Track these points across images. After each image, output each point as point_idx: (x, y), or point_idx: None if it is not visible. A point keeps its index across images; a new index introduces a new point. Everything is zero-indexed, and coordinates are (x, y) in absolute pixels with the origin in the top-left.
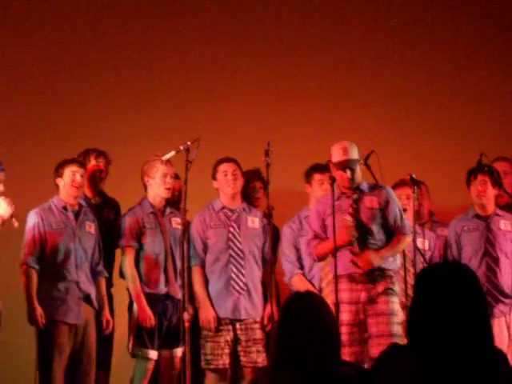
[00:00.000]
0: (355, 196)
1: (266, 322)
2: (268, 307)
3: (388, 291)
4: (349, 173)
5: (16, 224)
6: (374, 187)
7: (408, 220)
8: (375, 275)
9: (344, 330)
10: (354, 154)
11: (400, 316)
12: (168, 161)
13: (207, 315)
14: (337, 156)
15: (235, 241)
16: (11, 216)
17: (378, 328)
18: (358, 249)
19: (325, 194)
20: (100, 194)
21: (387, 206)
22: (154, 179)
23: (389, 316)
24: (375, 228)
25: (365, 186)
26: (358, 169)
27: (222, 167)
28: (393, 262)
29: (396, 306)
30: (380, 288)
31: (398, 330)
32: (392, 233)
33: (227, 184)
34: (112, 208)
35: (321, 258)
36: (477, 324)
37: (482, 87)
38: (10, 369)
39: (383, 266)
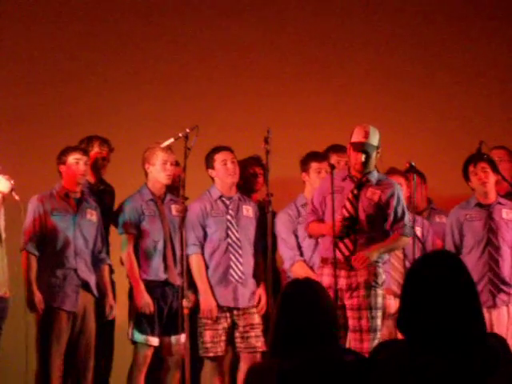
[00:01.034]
0: (359, 182)
1: (255, 302)
2: (259, 289)
3: (369, 283)
4: (363, 156)
5: (17, 197)
6: (383, 181)
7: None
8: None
9: None
10: (374, 140)
11: (382, 308)
12: (169, 148)
13: (209, 304)
14: (356, 137)
15: (233, 229)
16: (11, 190)
17: (359, 322)
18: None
19: (336, 172)
20: (101, 181)
21: (389, 203)
22: (154, 166)
23: (367, 310)
24: (368, 220)
25: (374, 176)
26: (374, 156)
27: (221, 156)
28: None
29: (377, 300)
30: (361, 278)
31: (375, 324)
32: (388, 230)
33: (228, 173)
34: (109, 196)
35: (312, 236)
36: (468, 313)
37: (481, 76)
38: (8, 355)
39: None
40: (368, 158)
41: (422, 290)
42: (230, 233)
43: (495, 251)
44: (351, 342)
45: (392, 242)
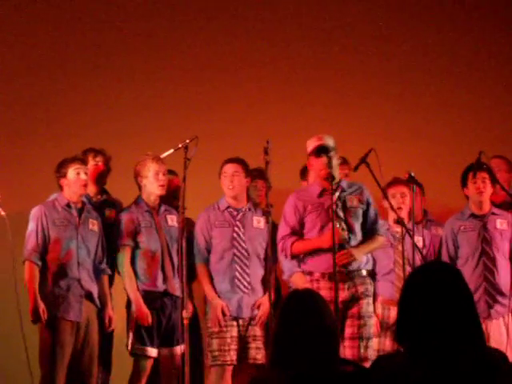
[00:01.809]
0: (337, 193)
1: (256, 306)
2: (259, 300)
3: (368, 293)
4: (325, 158)
5: (2, 213)
6: (353, 185)
7: (404, 218)
8: (354, 275)
9: None
10: (330, 142)
11: (377, 317)
12: (159, 158)
13: (217, 307)
14: (311, 144)
15: (239, 240)
16: None
17: (358, 330)
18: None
19: (304, 190)
20: (102, 193)
21: (368, 205)
22: (146, 178)
23: (367, 318)
24: (356, 227)
25: (345, 184)
26: (336, 162)
27: (224, 168)
28: (367, 262)
29: (371, 308)
30: (360, 288)
31: (372, 332)
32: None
33: (226, 186)
34: (113, 207)
35: (294, 256)
36: (466, 323)
37: (480, 86)
38: (9, 366)
39: (361, 266)
40: (330, 160)
41: (420, 301)
42: (235, 243)
43: (490, 261)
44: (346, 349)
45: (372, 242)
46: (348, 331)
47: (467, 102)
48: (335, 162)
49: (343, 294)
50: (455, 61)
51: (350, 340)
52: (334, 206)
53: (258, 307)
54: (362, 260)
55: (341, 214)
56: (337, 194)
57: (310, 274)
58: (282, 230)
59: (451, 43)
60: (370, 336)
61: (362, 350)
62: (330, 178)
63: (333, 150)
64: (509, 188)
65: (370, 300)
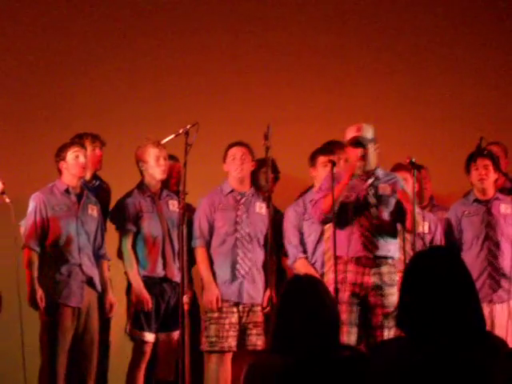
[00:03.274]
0: (370, 180)
1: (265, 305)
2: (268, 291)
3: (392, 282)
4: (361, 150)
5: (7, 200)
6: (389, 175)
7: None
8: (382, 262)
9: (344, 308)
10: (368, 133)
11: None
12: (159, 143)
13: (211, 295)
14: (350, 134)
15: (242, 224)
16: (2, 192)
17: (378, 319)
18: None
19: (340, 172)
20: (96, 179)
21: (397, 192)
22: (147, 163)
23: (390, 308)
24: (385, 214)
25: (380, 173)
26: (373, 151)
27: (232, 151)
28: (397, 251)
29: (395, 298)
30: (385, 276)
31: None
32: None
33: (234, 168)
34: (105, 192)
35: (328, 213)
36: (466, 308)
37: (482, 71)
38: (8, 353)
39: (389, 254)
40: (366, 152)
41: (420, 286)
42: (238, 228)
43: (494, 246)
44: (374, 337)
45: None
46: (373, 320)
47: (470, 86)
48: (372, 152)
49: (369, 280)
50: (457, 49)
51: (375, 329)
52: (366, 192)
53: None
54: (390, 248)
55: (372, 200)
56: (370, 180)
57: (339, 257)
58: (316, 197)
59: (453, 33)
60: (393, 325)
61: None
62: (366, 171)
63: (371, 142)
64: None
65: (395, 290)
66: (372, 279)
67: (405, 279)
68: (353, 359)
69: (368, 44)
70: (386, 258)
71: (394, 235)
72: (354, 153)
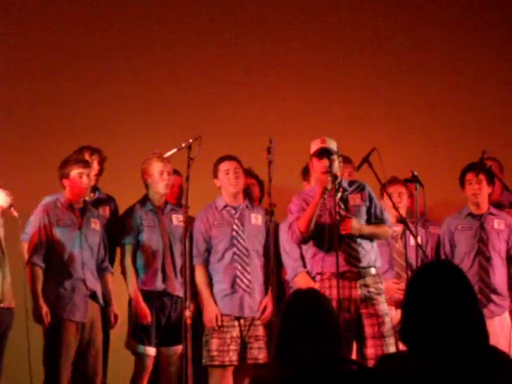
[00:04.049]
0: (339, 194)
1: (260, 312)
2: (265, 300)
3: (380, 291)
4: (327, 161)
5: (15, 213)
6: (354, 183)
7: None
8: (365, 272)
9: None
10: (332, 145)
11: (389, 315)
12: (164, 158)
13: (210, 314)
14: (314, 146)
15: (239, 239)
16: (10, 206)
17: (378, 328)
18: (333, 189)
19: (306, 192)
20: (94, 191)
21: (371, 201)
22: (152, 177)
23: (383, 317)
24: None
25: (346, 184)
26: (337, 164)
27: (224, 165)
28: (378, 258)
29: (386, 306)
30: (372, 287)
31: (390, 329)
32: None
33: (229, 182)
34: (107, 204)
35: (305, 233)
36: (470, 321)
37: (482, 84)
38: (11, 368)
39: (371, 263)
40: (332, 163)
41: (423, 300)
42: (235, 242)
43: (486, 261)
44: (370, 348)
45: (376, 227)
46: (368, 331)
47: (469, 101)
48: (337, 164)
49: (356, 293)
50: (457, 59)
51: (372, 339)
52: (337, 208)
53: (264, 309)
54: (371, 257)
55: (345, 214)
56: (339, 194)
57: (321, 274)
58: (289, 220)
59: (453, 42)
60: (389, 334)
61: (384, 349)
62: (332, 178)
63: (335, 153)
64: (501, 189)
65: (383, 298)
66: (359, 291)
67: (408, 292)
68: (357, 373)
69: (369, 57)
70: (369, 267)
71: (371, 243)
72: (320, 164)
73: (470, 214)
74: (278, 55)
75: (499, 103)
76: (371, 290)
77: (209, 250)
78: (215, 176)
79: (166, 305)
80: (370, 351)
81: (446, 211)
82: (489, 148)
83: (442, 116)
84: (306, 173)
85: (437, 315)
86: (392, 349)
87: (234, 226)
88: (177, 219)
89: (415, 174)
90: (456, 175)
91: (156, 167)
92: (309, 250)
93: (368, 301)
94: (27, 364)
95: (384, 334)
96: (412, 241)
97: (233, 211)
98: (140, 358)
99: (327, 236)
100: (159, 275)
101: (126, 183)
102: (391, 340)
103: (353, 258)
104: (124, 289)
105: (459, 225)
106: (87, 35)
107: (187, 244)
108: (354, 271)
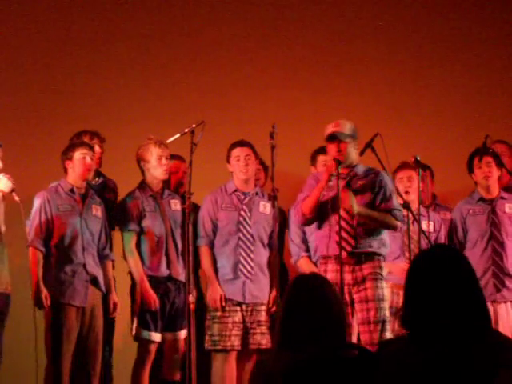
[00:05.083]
0: (348, 178)
1: (271, 304)
2: (273, 291)
3: (375, 276)
4: (333, 146)
5: (17, 198)
6: (369, 172)
7: (411, 202)
8: (362, 258)
9: None
10: (345, 129)
11: (389, 301)
12: (162, 143)
13: (214, 294)
14: (328, 130)
15: (245, 224)
16: (12, 190)
17: (367, 314)
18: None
19: (316, 174)
20: (99, 175)
21: (379, 191)
22: (149, 163)
23: (376, 302)
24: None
25: (360, 170)
26: (352, 148)
27: (235, 152)
28: (382, 246)
29: (384, 291)
30: (366, 271)
31: (385, 315)
32: None
33: (239, 169)
34: (111, 189)
35: (308, 215)
36: (471, 307)
37: (487, 71)
38: (17, 352)
39: (371, 250)
40: (343, 145)
41: (423, 285)
42: (241, 227)
43: (499, 245)
44: (361, 334)
45: (378, 213)
46: (359, 316)
47: (474, 86)
48: (351, 147)
49: (348, 277)
50: (462, 46)
51: (363, 325)
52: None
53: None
54: (372, 244)
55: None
56: (347, 178)
57: (321, 257)
58: (298, 199)
59: (458, 29)
60: (385, 319)
61: (378, 334)
62: (336, 164)
63: (348, 137)
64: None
65: (380, 283)
66: (351, 275)
67: (409, 278)
68: (361, 358)
69: (374, 44)
70: (367, 254)
71: (375, 230)
72: (331, 148)
73: (482, 199)
74: (283, 39)
75: (506, 88)
76: (364, 273)
77: (214, 232)
78: (228, 161)
79: (171, 290)
80: (363, 337)
81: (452, 198)
82: (494, 134)
83: (447, 100)
84: (314, 158)
85: (437, 300)
86: (388, 335)
87: (242, 212)
88: (175, 204)
89: (418, 158)
90: (461, 161)
91: (154, 153)
92: (312, 234)
93: (359, 284)
94: (34, 349)
95: (376, 319)
96: (431, 226)
97: (242, 196)
98: (145, 343)
99: (328, 218)
100: (163, 260)
101: (128, 169)
102: (387, 326)
103: (349, 242)
104: (123, 276)
105: (471, 209)
106: (88, 21)
107: (190, 229)
108: (348, 254)
